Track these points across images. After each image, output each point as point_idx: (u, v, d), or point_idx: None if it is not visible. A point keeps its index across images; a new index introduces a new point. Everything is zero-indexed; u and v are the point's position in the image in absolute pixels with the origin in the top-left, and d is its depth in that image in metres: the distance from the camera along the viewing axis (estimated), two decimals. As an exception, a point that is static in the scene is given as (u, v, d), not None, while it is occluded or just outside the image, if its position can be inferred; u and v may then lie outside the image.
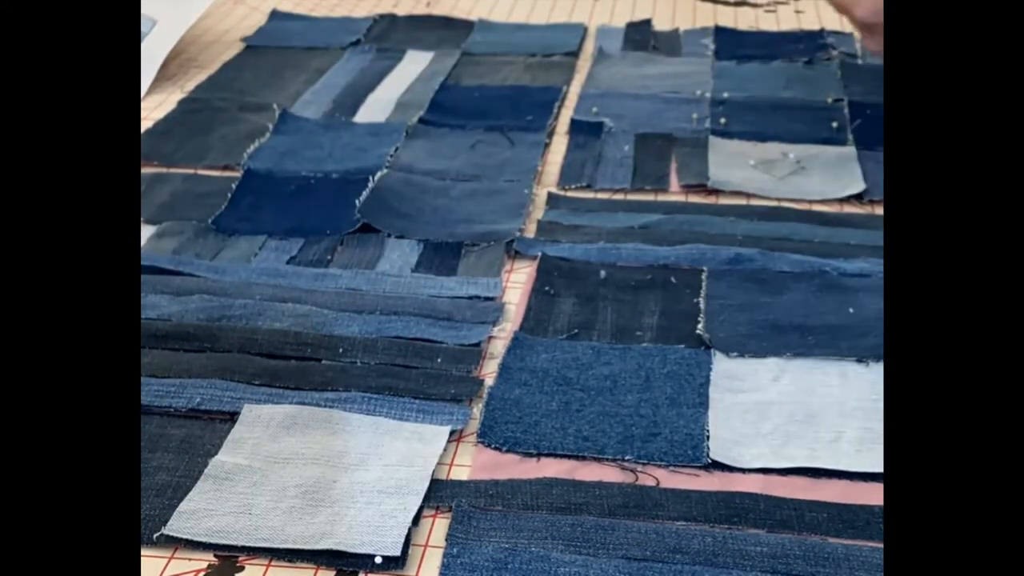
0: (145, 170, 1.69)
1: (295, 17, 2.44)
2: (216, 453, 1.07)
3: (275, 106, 1.91)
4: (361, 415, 1.12)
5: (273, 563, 0.96)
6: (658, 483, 1.05)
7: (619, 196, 1.64)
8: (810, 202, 1.62)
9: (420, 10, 2.51)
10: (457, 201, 1.60)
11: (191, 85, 2.05)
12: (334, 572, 0.95)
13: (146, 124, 1.87)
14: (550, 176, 1.70)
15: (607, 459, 1.08)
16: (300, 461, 1.06)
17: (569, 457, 1.08)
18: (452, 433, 1.11)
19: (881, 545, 0.97)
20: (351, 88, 2.03)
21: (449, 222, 1.54)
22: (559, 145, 1.80)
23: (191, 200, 1.60)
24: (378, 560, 0.95)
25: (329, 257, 1.46)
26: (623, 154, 1.75)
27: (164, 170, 1.71)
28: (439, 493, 1.03)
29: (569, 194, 1.64)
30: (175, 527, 0.98)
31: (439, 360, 1.22)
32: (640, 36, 2.30)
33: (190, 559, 0.96)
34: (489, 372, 1.21)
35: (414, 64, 2.15)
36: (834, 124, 1.85)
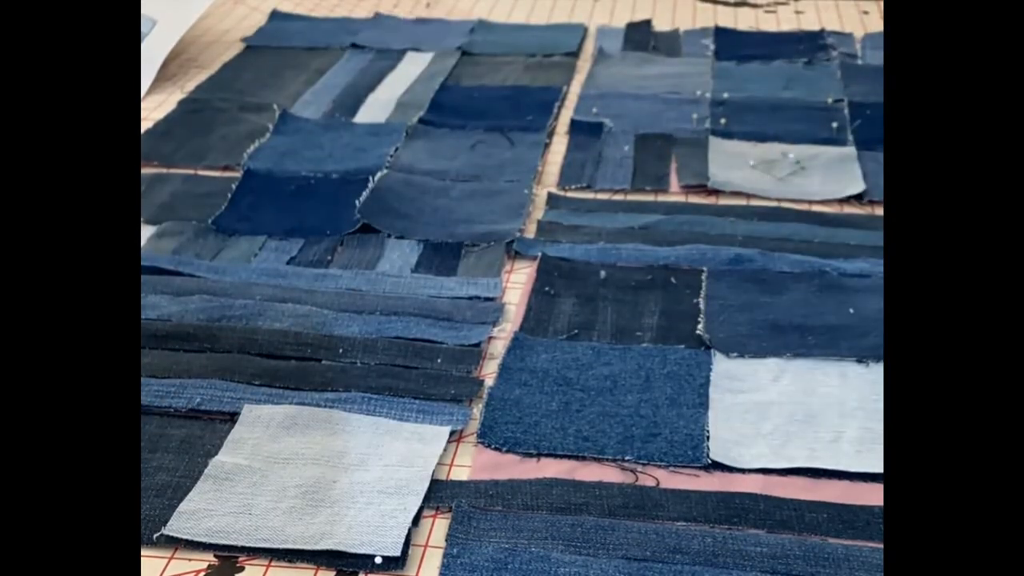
0: (145, 170, 1.69)
1: (295, 17, 2.44)
2: (216, 453, 1.07)
3: (275, 106, 1.91)
4: (361, 415, 1.12)
5: (273, 563, 0.96)
6: (658, 483, 1.05)
7: (619, 196, 1.64)
8: (810, 202, 1.62)
9: (420, 10, 2.51)
10: (457, 201, 1.60)
11: (191, 85, 2.05)
12: (334, 572, 0.95)
13: (146, 124, 1.87)
14: (550, 176, 1.70)
15: (607, 459, 1.08)
16: (300, 461, 1.06)
17: (569, 457, 1.08)
18: (452, 433, 1.11)
19: (881, 545, 0.97)
20: (351, 88, 2.03)
21: (449, 222, 1.54)
22: (559, 145, 1.80)
23: (191, 200, 1.60)
24: (378, 560, 0.95)
25: (329, 257, 1.46)
26: (623, 154, 1.75)
27: (164, 170, 1.71)
28: (439, 493, 1.03)
29: (569, 194, 1.64)
30: (175, 527, 0.98)
31: (439, 360, 1.22)
32: (640, 36, 2.31)
33: (190, 559, 0.96)
34: (489, 372, 1.21)
35: (414, 64, 2.15)
36: (834, 124, 1.85)
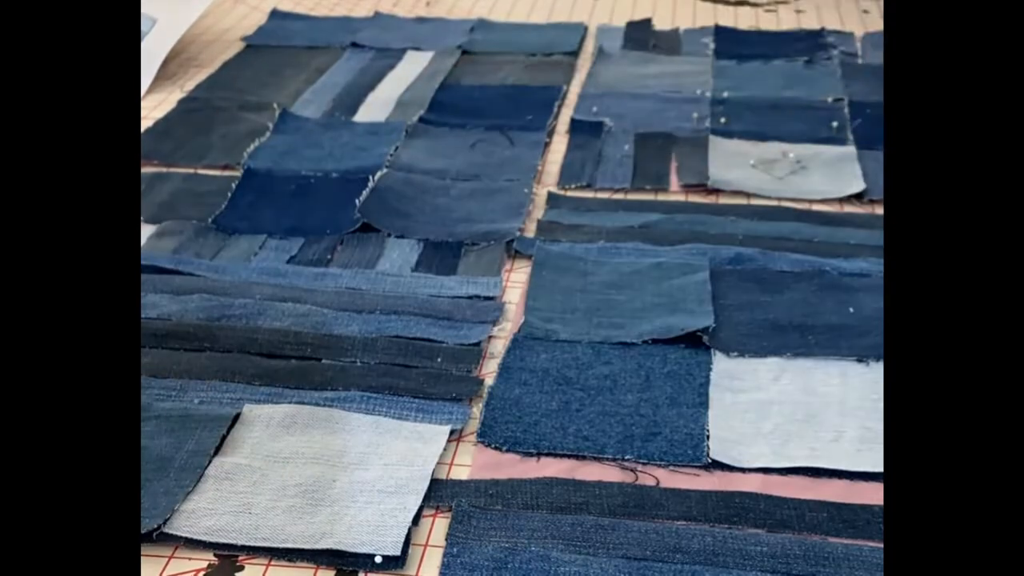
0: (145, 169, 1.69)
1: (295, 16, 2.44)
2: (216, 453, 1.07)
3: (275, 105, 1.91)
4: (361, 414, 1.12)
5: (273, 562, 0.96)
6: (658, 483, 1.05)
7: (619, 196, 1.64)
8: (810, 202, 1.62)
9: (420, 9, 2.51)
10: (457, 200, 1.60)
11: (191, 85, 2.05)
12: (334, 572, 0.95)
13: (146, 124, 1.87)
14: (550, 176, 1.70)
15: (607, 459, 1.08)
16: (300, 460, 1.06)
17: (569, 457, 1.08)
18: (452, 433, 1.11)
19: (881, 545, 0.97)
20: (351, 87, 2.03)
21: (449, 221, 1.54)
22: (559, 145, 1.80)
23: (191, 199, 1.60)
24: (378, 559, 0.95)
25: (329, 256, 1.46)
26: (623, 153, 1.75)
27: (164, 169, 1.71)
28: (439, 493, 1.03)
29: (569, 194, 1.64)
30: (175, 526, 0.98)
31: (439, 360, 1.22)
32: (640, 35, 2.30)
33: (190, 558, 0.96)
34: (489, 371, 1.21)
35: (414, 64, 2.15)
36: (834, 124, 1.85)
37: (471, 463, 1.08)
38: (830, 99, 1.96)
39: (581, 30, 2.32)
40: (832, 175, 1.68)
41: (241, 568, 0.95)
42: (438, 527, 1.00)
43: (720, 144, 1.78)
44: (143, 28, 2.08)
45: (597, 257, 1.43)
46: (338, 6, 2.55)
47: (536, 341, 1.26)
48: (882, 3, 2.45)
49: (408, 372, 1.20)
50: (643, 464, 1.07)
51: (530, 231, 1.52)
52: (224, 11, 2.48)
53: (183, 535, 0.97)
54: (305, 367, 1.20)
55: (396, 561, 0.95)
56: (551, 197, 1.62)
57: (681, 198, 1.63)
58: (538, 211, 1.58)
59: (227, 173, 1.69)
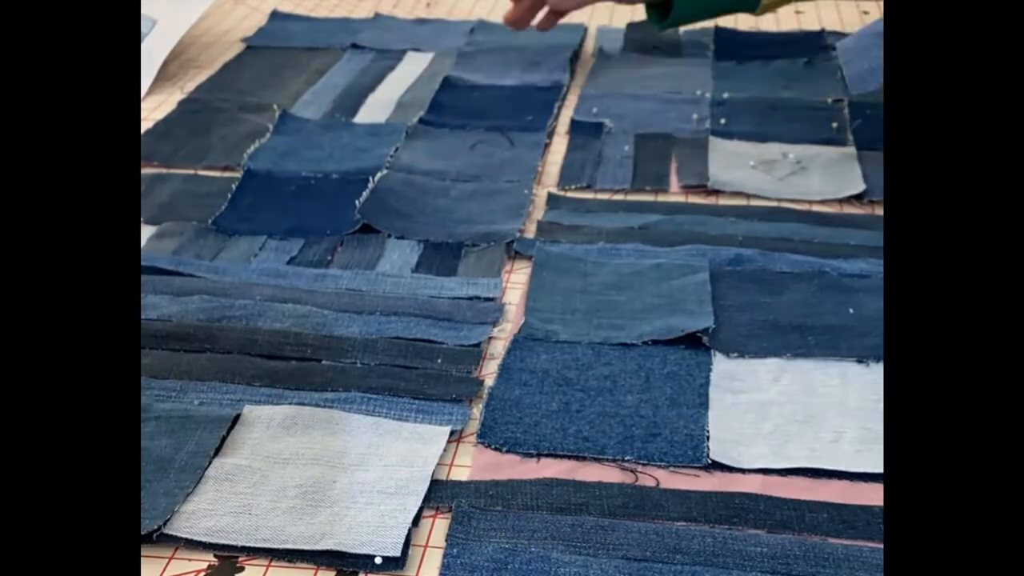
0: (145, 170, 1.69)
1: (295, 17, 2.44)
2: (216, 454, 1.07)
3: (275, 106, 1.91)
4: (361, 415, 1.13)
5: (273, 563, 0.96)
6: (658, 483, 1.05)
7: (619, 196, 1.64)
8: (810, 202, 1.62)
9: (420, 10, 2.51)
10: (457, 201, 1.60)
11: (191, 85, 2.05)
12: (334, 572, 0.95)
13: (146, 124, 1.87)
14: (550, 176, 1.70)
15: (607, 459, 1.08)
16: (300, 461, 1.06)
17: (569, 457, 1.08)
18: (452, 433, 1.11)
19: (881, 545, 0.97)
20: (351, 88, 2.03)
21: (449, 222, 1.54)
22: (559, 145, 1.80)
23: (191, 200, 1.60)
24: (378, 560, 0.95)
25: (329, 257, 1.46)
26: (623, 154, 1.75)
27: (164, 170, 1.71)
28: (439, 493, 1.03)
29: (569, 194, 1.64)
30: (175, 527, 0.98)
31: (439, 360, 1.22)
32: (640, 36, 2.30)
33: (190, 559, 0.96)
34: (489, 372, 1.21)
35: (414, 64, 2.15)
36: (834, 124, 1.85)
37: (471, 464, 1.08)
38: (830, 100, 1.96)
39: (581, 31, 2.32)
40: (832, 176, 1.68)
41: (241, 569, 0.95)
42: (438, 528, 1.00)
43: (720, 145, 1.78)
44: (143, 29, 2.09)
45: (597, 258, 1.43)
46: (338, 7, 2.55)
47: (536, 342, 1.26)
48: (882, 3, 2.45)
49: (408, 373, 1.20)
50: (643, 465, 1.08)
51: (530, 232, 1.52)
52: (224, 12, 2.48)
53: (183, 536, 0.97)
54: (305, 368, 1.20)
55: (396, 562, 0.95)
56: (551, 198, 1.62)
57: (681, 199, 1.63)
58: (538, 212, 1.58)
59: (227, 174, 1.69)
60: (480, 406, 1.15)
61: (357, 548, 0.96)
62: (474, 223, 1.54)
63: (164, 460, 1.05)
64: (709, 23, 2.36)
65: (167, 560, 0.96)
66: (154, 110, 1.94)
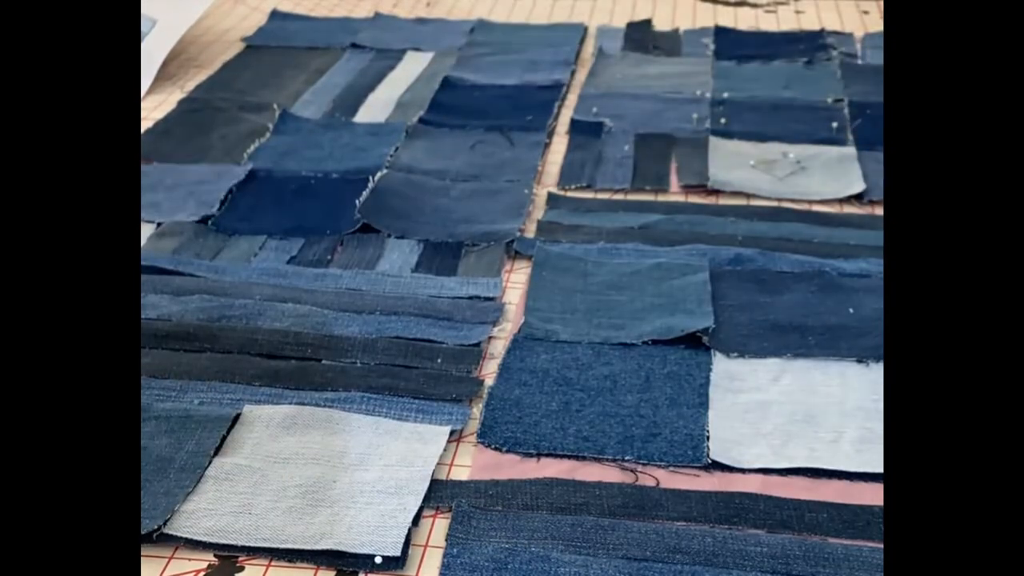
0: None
1: (295, 17, 2.44)
2: (216, 454, 1.07)
3: (275, 106, 1.91)
4: (361, 415, 1.12)
5: (273, 563, 0.96)
6: (658, 483, 1.05)
7: (619, 196, 1.64)
8: (810, 202, 1.62)
9: (420, 10, 2.51)
10: (457, 201, 1.60)
11: (191, 85, 2.05)
12: (334, 572, 0.95)
13: (146, 124, 1.87)
14: (550, 176, 1.70)
15: (607, 459, 1.08)
16: (300, 461, 1.06)
17: (569, 457, 1.08)
18: (452, 433, 1.11)
19: (881, 545, 0.97)
20: (351, 88, 2.03)
21: (449, 222, 1.54)
22: (559, 145, 1.80)
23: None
24: (378, 560, 0.95)
25: (329, 257, 1.46)
26: (623, 154, 1.75)
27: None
28: (439, 493, 1.03)
29: (569, 194, 1.64)
30: (175, 526, 0.98)
31: (439, 360, 1.22)
32: (640, 36, 2.30)
33: (190, 559, 0.96)
34: (489, 372, 1.21)
35: (414, 64, 2.15)
36: (834, 124, 1.85)
37: (471, 464, 1.08)
38: (830, 100, 1.96)
39: (581, 31, 2.32)
40: (832, 176, 1.68)
41: (241, 569, 0.95)
42: (438, 528, 1.00)
43: (720, 145, 1.78)
44: (143, 29, 2.08)
45: (597, 258, 1.43)
46: (338, 7, 2.55)
47: (536, 342, 1.26)
48: (882, 3, 2.45)
49: (408, 373, 1.20)
50: (643, 465, 1.07)
51: (530, 232, 1.52)
52: (224, 12, 2.48)
53: (183, 536, 0.97)
54: (305, 368, 1.20)
55: (396, 562, 0.95)
56: (551, 198, 1.62)
57: (681, 199, 1.63)
58: (538, 212, 1.58)
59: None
60: (480, 406, 1.15)
61: (357, 548, 0.96)
62: (474, 223, 1.54)
63: (164, 460, 1.05)
64: (709, 23, 2.36)
65: (167, 560, 0.96)
66: (154, 109, 1.94)
